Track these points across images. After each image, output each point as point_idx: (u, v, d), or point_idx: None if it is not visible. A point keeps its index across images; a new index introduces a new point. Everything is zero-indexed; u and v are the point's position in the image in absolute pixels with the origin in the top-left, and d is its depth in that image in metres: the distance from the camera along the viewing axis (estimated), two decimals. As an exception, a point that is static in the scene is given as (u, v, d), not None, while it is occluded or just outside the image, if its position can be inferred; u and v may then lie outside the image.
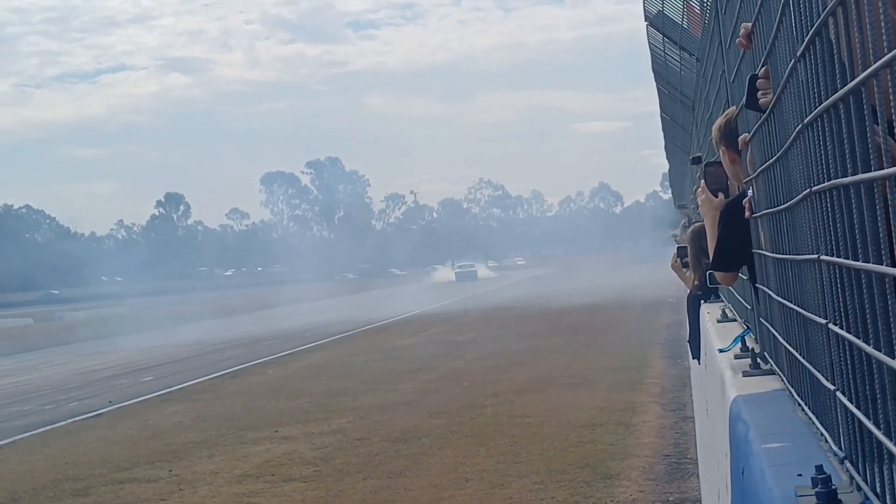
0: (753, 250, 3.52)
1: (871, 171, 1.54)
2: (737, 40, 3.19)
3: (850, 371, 1.84)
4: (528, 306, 44.58)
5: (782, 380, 3.19)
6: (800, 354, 2.59)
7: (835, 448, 2.13)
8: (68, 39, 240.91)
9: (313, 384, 21.93)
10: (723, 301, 7.36)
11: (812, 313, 2.27)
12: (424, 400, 17.67)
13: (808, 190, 2.11)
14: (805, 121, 2.06)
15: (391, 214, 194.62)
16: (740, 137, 3.36)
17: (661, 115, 22.23)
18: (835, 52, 1.77)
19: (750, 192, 3.35)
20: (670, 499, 9.53)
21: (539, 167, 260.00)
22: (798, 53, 2.07)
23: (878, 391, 1.61)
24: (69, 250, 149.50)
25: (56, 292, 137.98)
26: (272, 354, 31.32)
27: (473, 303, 54.46)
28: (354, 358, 27.69)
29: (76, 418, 19.68)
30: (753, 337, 4.40)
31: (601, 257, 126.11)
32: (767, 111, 2.69)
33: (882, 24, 1.38)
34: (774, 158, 2.61)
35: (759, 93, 2.80)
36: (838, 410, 2.04)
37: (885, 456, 1.62)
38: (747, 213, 3.37)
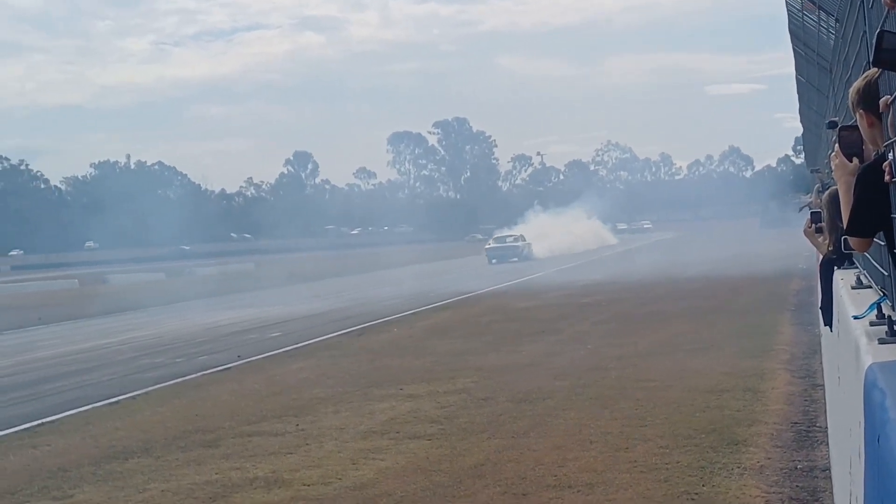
0: (893, 215, 3.43)
1: None
2: (882, -1, 3.10)
3: None
4: (654, 270, 44.17)
5: (921, 348, 3.11)
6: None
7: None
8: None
9: (438, 343, 22.06)
10: (857, 267, 7.21)
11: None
12: (548, 362, 17.66)
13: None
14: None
15: (517, 175, 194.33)
16: (882, 100, 3.28)
17: (796, 78, 21.81)
18: None
19: (890, 156, 3.27)
20: (798, 466, 9.40)
21: (668, 130, 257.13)
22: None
23: None
24: (200, 207, 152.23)
25: (187, 248, 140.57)
26: (397, 313, 31.55)
27: (599, 266, 54.16)
28: (478, 319, 27.77)
29: (206, 372, 20.08)
30: (890, 304, 4.30)
31: (730, 222, 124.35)
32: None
33: None
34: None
35: None
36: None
37: None
38: (887, 178, 3.28)
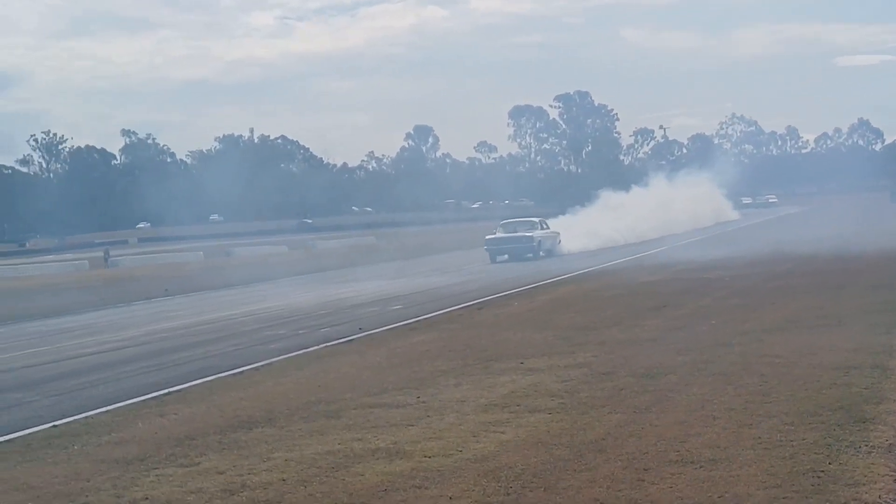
0: None
1: None
2: None
3: None
4: (779, 246, 43.45)
5: None
6: None
7: None
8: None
9: (558, 317, 21.96)
10: None
11: None
12: (670, 336, 17.48)
13: None
14: None
15: (639, 149, 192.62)
16: None
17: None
18: None
19: None
20: (929, 446, 9.16)
21: (795, 102, 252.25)
22: None
23: None
24: (322, 181, 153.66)
25: (309, 221, 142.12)
26: (518, 287, 31.51)
27: (722, 241, 53.50)
28: (599, 293, 27.61)
29: (328, 344, 20.25)
30: None
31: (858, 196, 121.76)
32: None
33: None
34: None
35: None
36: None
37: None
38: None
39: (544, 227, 50.97)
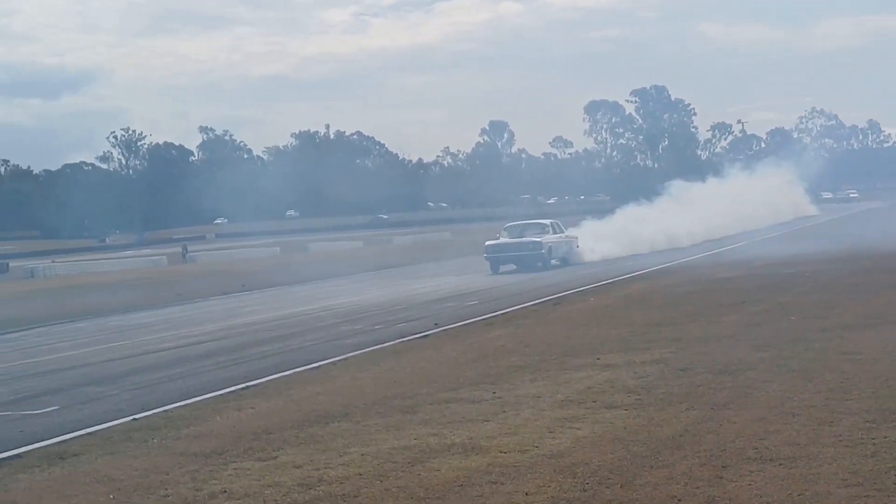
0: None
1: None
2: None
3: None
4: (861, 241, 42.86)
5: None
6: None
7: None
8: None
9: (634, 313, 21.83)
10: None
11: None
12: (749, 333, 17.29)
13: None
14: None
15: (717, 144, 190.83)
16: None
17: None
18: None
19: None
20: None
21: (876, 95, 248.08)
22: None
23: None
24: (397, 176, 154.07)
25: (384, 217, 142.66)
26: (594, 283, 31.39)
27: (801, 237, 52.90)
28: (675, 289, 27.40)
29: (404, 339, 20.31)
30: None
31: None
32: None
33: None
34: None
35: None
36: None
37: None
38: None
39: (558, 230, 43.87)
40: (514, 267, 41.09)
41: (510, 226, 45.02)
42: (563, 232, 44.24)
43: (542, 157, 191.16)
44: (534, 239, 41.57)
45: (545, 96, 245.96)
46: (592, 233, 48.93)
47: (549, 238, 42.09)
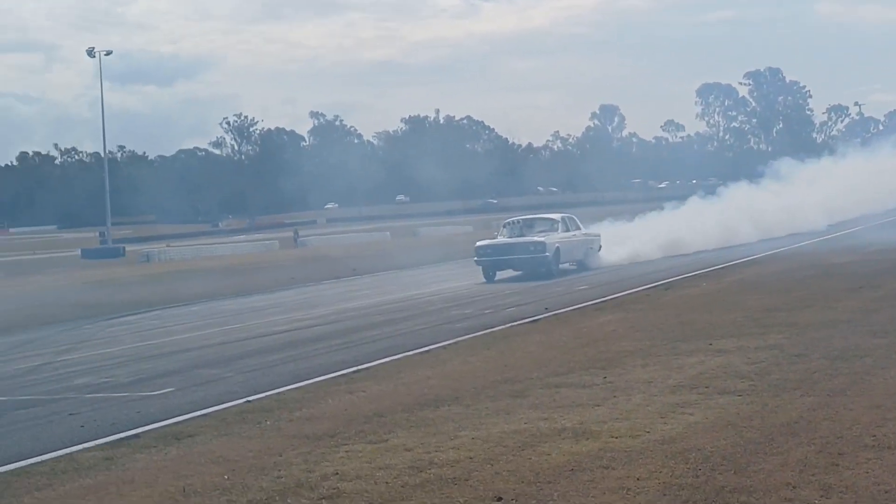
0: None
1: None
2: None
3: None
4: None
5: None
6: None
7: None
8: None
9: (747, 298, 21.55)
10: None
11: None
12: (866, 319, 16.96)
13: None
14: None
15: (833, 127, 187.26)
16: None
17: None
18: None
19: None
20: None
21: None
22: None
23: None
24: (507, 161, 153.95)
25: (494, 201, 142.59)
26: (705, 267, 31.07)
27: None
28: (790, 274, 26.98)
29: (513, 323, 20.30)
30: None
31: None
32: None
33: None
34: None
35: None
36: None
37: None
38: None
39: (570, 227, 36.25)
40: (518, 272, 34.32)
41: (510, 221, 37.05)
42: (577, 229, 36.74)
43: (653, 140, 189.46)
44: (536, 239, 34.01)
45: (656, 80, 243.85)
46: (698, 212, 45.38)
47: (556, 237, 34.39)
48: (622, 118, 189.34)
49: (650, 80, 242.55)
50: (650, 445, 9.25)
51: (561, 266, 34.40)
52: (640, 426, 10.03)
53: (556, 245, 33.79)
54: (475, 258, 34.08)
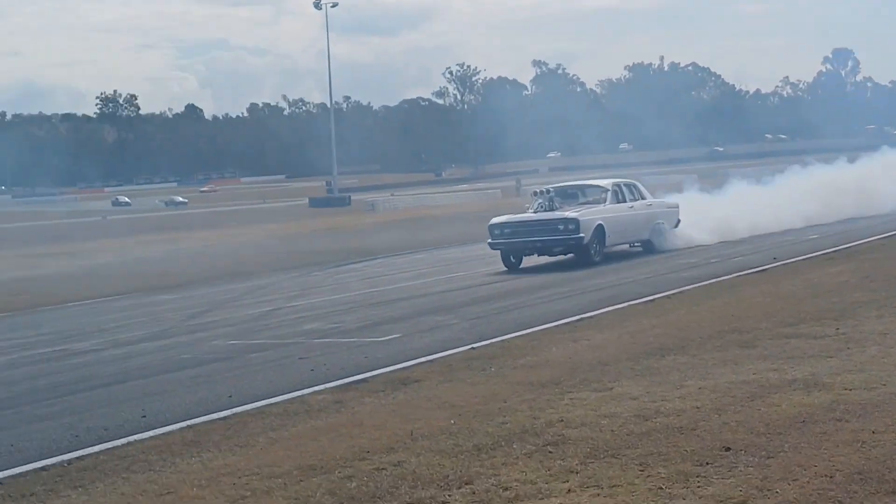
0: None
1: None
2: None
3: None
4: None
5: None
6: None
7: None
8: None
9: None
10: None
11: None
12: None
13: None
14: None
15: None
16: None
17: None
18: None
19: None
20: None
21: None
22: None
23: None
24: (734, 108, 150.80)
25: (720, 149, 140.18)
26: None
27: None
28: None
29: (740, 273, 19.92)
30: None
31: None
32: None
33: None
34: None
35: None
36: None
37: None
38: None
39: (626, 197, 27.31)
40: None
41: (541, 191, 27.44)
42: (638, 199, 27.65)
43: (890, 85, 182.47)
44: (568, 215, 25.29)
45: (894, 21, 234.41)
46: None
47: (599, 211, 25.94)
48: (857, 62, 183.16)
49: (888, 21, 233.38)
50: (887, 398, 8.92)
51: (615, 248, 26.95)
52: (876, 378, 9.67)
53: (598, 222, 25.39)
54: (489, 240, 25.95)
